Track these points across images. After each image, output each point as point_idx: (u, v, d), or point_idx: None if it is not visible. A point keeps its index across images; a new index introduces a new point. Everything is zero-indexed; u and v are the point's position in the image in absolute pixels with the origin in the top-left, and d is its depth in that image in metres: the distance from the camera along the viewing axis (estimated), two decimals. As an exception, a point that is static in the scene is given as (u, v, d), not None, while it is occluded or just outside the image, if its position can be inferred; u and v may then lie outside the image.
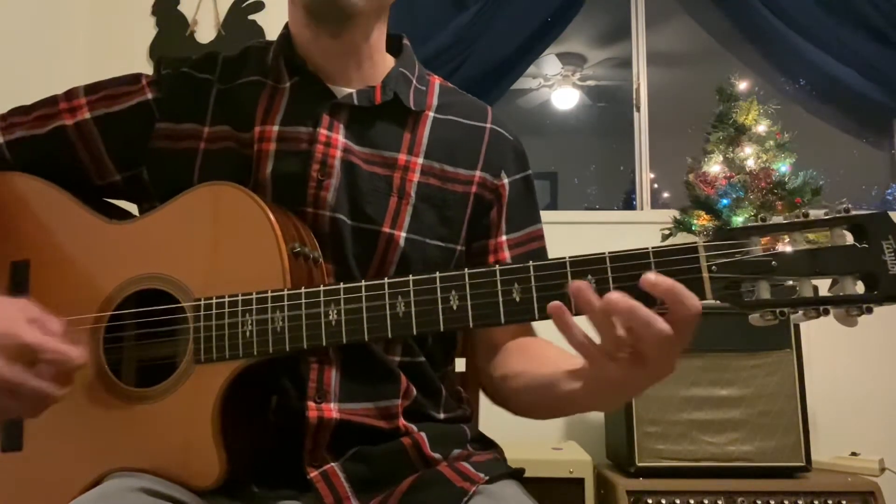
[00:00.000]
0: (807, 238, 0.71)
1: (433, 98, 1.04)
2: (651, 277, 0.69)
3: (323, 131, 0.95)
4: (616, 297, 0.68)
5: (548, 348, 0.99)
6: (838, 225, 0.69)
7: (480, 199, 1.01)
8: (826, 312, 0.69)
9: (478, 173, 1.01)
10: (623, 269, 0.73)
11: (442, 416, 0.98)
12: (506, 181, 1.03)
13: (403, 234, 0.95)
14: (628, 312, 0.68)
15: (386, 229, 0.94)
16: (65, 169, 0.99)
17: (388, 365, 0.93)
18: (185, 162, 0.96)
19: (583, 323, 0.71)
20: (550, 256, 0.79)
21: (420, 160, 0.98)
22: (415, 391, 0.94)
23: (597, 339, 0.71)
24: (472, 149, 1.02)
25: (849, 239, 0.69)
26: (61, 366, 0.81)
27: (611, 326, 0.69)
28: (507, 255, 1.02)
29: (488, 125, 1.05)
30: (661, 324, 0.68)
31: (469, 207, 1.00)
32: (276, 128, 0.95)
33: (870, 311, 0.68)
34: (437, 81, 1.08)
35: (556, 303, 0.71)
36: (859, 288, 0.68)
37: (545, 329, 1.02)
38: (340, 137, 0.95)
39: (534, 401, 0.94)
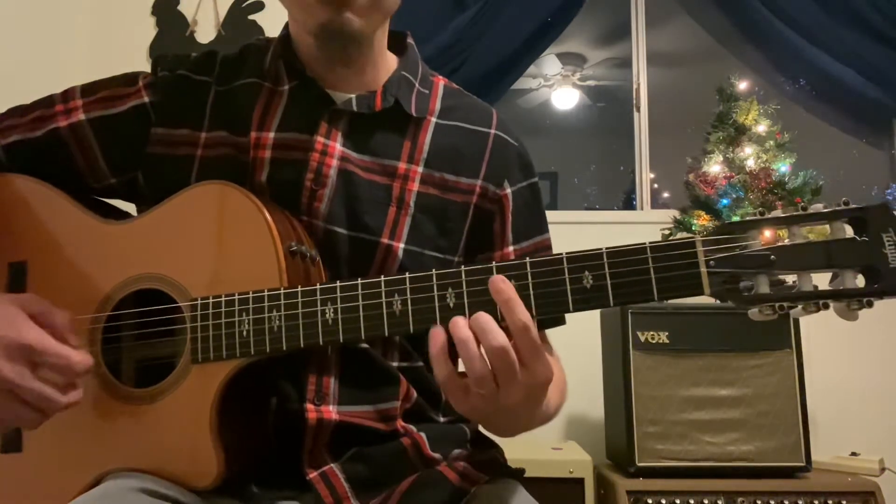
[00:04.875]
0: (806, 232, 0.70)
1: (436, 102, 1.02)
2: (498, 283, 0.72)
3: (320, 139, 0.93)
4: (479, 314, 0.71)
5: None
6: (838, 218, 0.69)
7: (481, 209, 0.99)
8: (826, 306, 0.68)
9: (479, 183, 0.99)
10: (620, 265, 0.72)
11: (442, 419, 0.98)
12: (509, 191, 1.01)
13: (402, 245, 0.94)
14: (473, 318, 0.71)
15: (384, 240, 0.93)
16: (60, 171, 0.98)
17: (387, 368, 0.92)
18: (181, 169, 0.95)
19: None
20: (550, 255, 0.78)
21: (420, 169, 0.97)
22: (415, 394, 0.93)
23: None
24: (475, 156, 1.00)
25: (849, 232, 0.69)
26: (63, 371, 0.80)
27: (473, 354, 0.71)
28: None
29: (492, 131, 1.03)
30: (499, 332, 0.70)
31: (468, 218, 0.99)
32: (272, 134, 0.94)
33: (870, 304, 0.67)
34: (441, 83, 1.05)
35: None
36: (860, 281, 0.68)
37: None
38: (338, 146, 0.94)
39: None
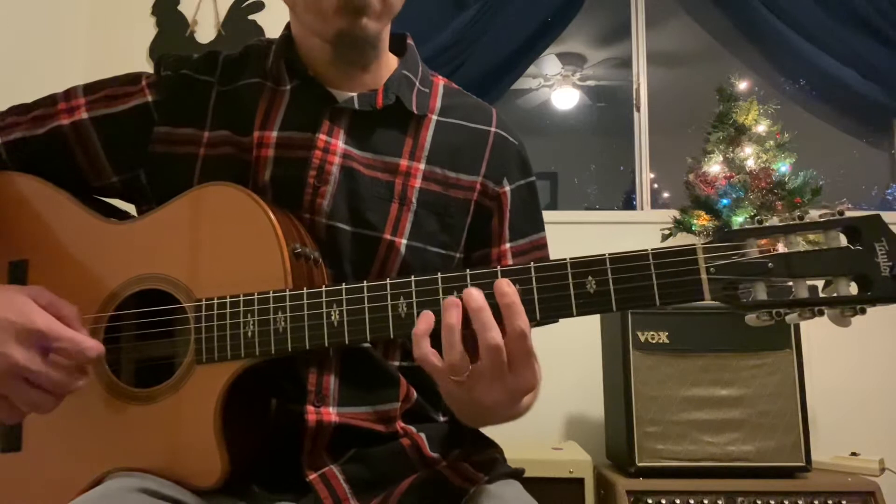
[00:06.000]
0: (803, 240, 0.72)
1: (436, 100, 1.03)
2: (503, 286, 0.73)
3: (322, 137, 0.94)
4: (474, 291, 0.73)
5: None
6: (833, 227, 0.71)
7: (481, 206, 1.00)
8: (821, 313, 0.70)
9: (479, 179, 1.00)
10: (623, 271, 0.73)
11: (442, 419, 0.98)
12: (507, 188, 1.02)
13: (404, 241, 0.94)
14: (478, 309, 0.72)
15: (387, 236, 0.93)
16: (62, 170, 0.98)
17: (388, 369, 0.92)
18: (184, 168, 0.95)
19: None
20: (551, 257, 0.79)
21: (422, 166, 0.97)
22: (415, 394, 0.94)
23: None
24: (475, 153, 1.01)
25: (843, 241, 0.71)
26: (74, 356, 0.81)
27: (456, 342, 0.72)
28: (510, 262, 1.01)
29: (492, 129, 1.04)
30: (499, 332, 0.72)
31: (470, 215, 0.99)
32: (274, 133, 0.94)
33: (863, 311, 0.69)
34: (441, 82, 1.06)
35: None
36: (853, 289, 0.70)
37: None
38: (340, 143, 0.94)
39: None
